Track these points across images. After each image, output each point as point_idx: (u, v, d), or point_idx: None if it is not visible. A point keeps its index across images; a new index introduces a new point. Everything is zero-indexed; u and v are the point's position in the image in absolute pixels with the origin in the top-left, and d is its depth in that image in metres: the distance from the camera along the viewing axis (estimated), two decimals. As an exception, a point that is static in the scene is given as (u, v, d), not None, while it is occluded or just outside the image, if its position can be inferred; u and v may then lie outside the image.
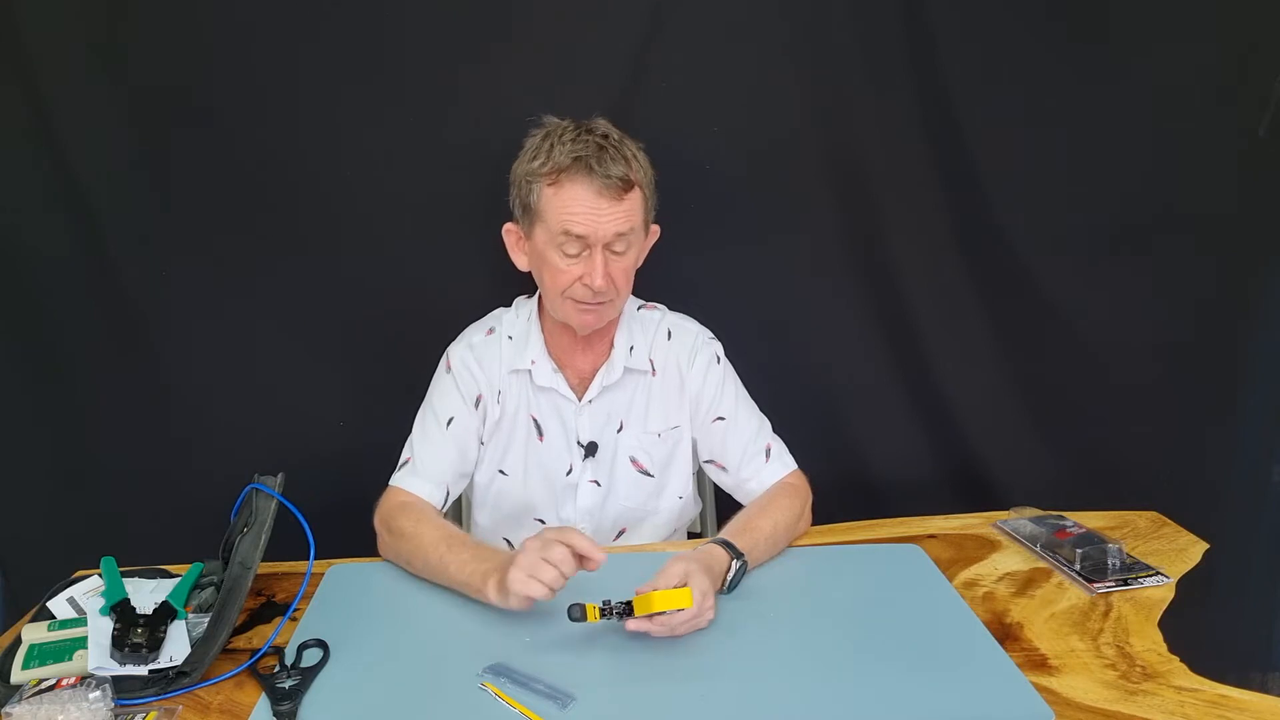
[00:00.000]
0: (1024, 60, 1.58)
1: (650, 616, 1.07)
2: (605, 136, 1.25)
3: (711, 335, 1.46)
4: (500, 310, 1.46)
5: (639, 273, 1.42)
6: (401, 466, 1.37)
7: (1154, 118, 1.61)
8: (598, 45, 1.55)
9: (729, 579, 1.20)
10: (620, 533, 1.45)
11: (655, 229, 1.37)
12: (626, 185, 1.23)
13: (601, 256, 1.25)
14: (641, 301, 1.47)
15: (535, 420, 1.40)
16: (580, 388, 1.40)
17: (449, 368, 1.40)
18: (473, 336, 1.42)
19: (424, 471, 1.35)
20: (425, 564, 1.24)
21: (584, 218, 1.23)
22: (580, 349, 1.40)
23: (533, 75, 1.53)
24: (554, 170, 1.23)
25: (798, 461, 1.44)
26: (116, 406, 1.66)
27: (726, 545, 1.22)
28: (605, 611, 1.07)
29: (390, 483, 1.36)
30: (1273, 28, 1.57)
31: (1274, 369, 1.75)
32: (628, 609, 1.08)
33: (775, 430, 1.46)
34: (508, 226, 1.36)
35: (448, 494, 1.37)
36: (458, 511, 1.62)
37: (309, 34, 1.51)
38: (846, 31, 1.56)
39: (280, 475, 1.20)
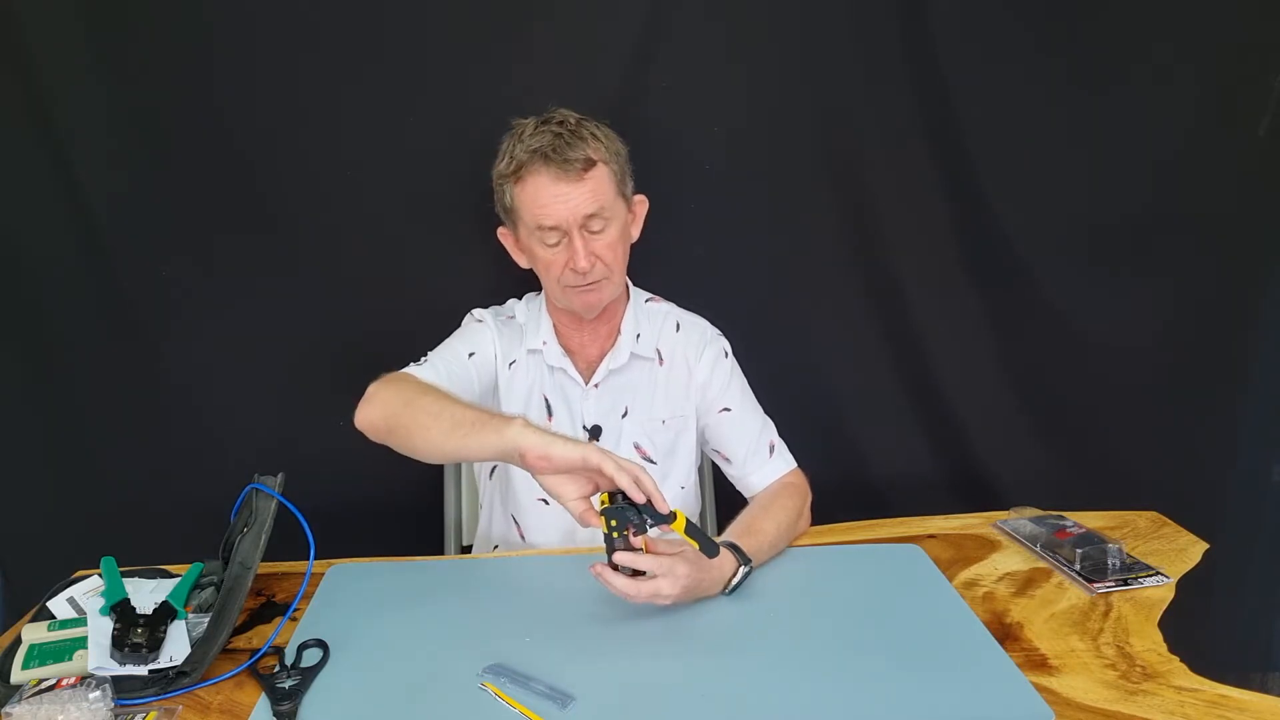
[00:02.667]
0: (1024, 61, 1.58)
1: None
2: (561, 124, 1.27)
3: (719, 332, 1.48)
4: (513, 300, 1.49)
5: (638, 272, 1.42)
6: (415, 364, 1.33)
7: (1154, 118, 1.61)
8: (598, 45, 1.56)
9: (733, 583, 1.20)
10: None
11: (641, 200, 1.39)
12: (587, 164, 1.25)
13: (580, 239, 1.27)
14: (650, 295, 1.48)
15: (547, 399, 1.42)
16: (587, 373, 1.42)
17: (478, 320, 1.43)
18: (495, 312, 1.46)
19: (439, 372, 1.31)
20: (435, 403, 1.17)
21: (550, 206, 1.26)
22: (588, 337, 1.42)
23: (533, 76, 1.53)
24: (517, 167, 1.27)
25: (799, 461, 1.45)
26: (116, 406, 1.66)
27: (735, 550, 1.22)
28: (616, 521, 1.06)
29: None
30: (1272, 28, 1.57)
31: (1274, 369, 1.75)
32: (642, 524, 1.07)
33: (777, 431, 1.45)
34: (501, 230, 1.39)
35: None
36: (459, 509, 1.62)
37: (310, 34, 1.52)
38: (846, 32, 1.56)
39: (280, 475, 1.20)
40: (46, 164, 1.53)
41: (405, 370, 1.31)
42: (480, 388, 1.39)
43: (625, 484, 1.04)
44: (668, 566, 1.11)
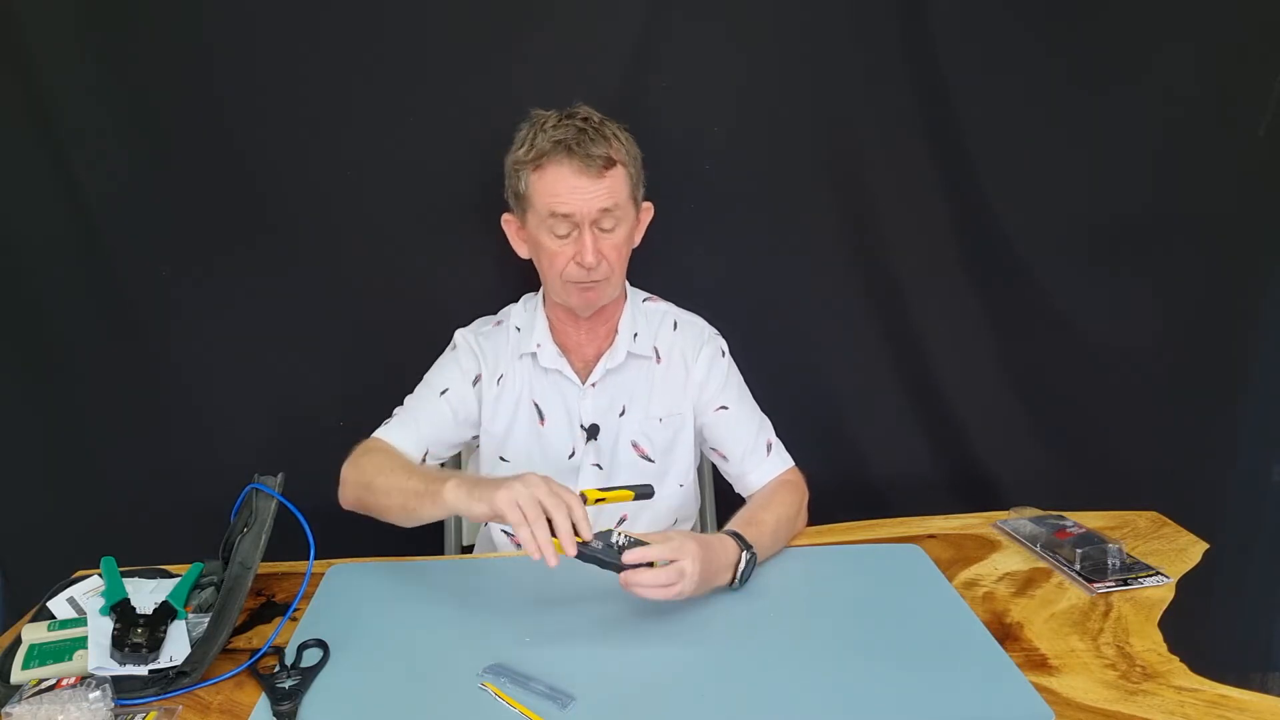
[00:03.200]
0: (1024, 61, 1.58)
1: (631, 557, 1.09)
2: (586, 120, 1.29)
3: (716, 332, 1.48)
4: (509, 306, 1.48)
5: (638, 272, 1.42)
6: (385, 423, 1.38)
7: (1154, 118, 1.61)
8: (598, 45, 1.55)
9: (740, 571, 1.20)
10: (621, 520, 1.45)
11: (648, 207, 1.39)
12: (608, 163, 1.27)
13: (590, 234, 1.28)
14: (647, 294, 1.48)
15: (537, 405, 1.42)
16: (584, 372, 1.42)
17: (453, 346, 1.44)
18: (481, 326, 1.46)
19: (406, 426, 1.37)
20: (387, 481, 1.25)
21: (567, 196, 1.26)
22: (584, 335, 1.42)
23: (533, 75, 1.53)
24: (537, 156, 1.27)
25: (799, 461, 1.45)
26: (116, 407, 1.66)
27: (737, 537, 1.23)
28: (589, 551, 1.08)
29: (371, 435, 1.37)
30: (1271, 28, 1.57)
31: (1274, 369, 1.75)
32: (610, 551, 1.09)
33: (777, 431, 1.46)
34: (505, 217, 1.39)
35: (426, 454, 1.38)
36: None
37: (310, 32, 1.51)
38: (847, 32, 1.56)
39: (280, 475, 1.20)
40: (46, 164, 1.53)
41: (375, 436, 1.36)
42: (459, 420, 1.40)
43: (524, 538, 1.06)
44: (676, 547, 1.11)
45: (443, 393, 1.39)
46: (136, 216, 1.58)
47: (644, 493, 1.20)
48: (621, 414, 1.42)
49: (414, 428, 1.37)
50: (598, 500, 1.17)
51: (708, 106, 1.59)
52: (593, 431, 1.42)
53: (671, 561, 1.10)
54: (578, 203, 1.26)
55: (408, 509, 1.23)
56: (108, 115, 1.52)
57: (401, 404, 1.41)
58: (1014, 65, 1.58)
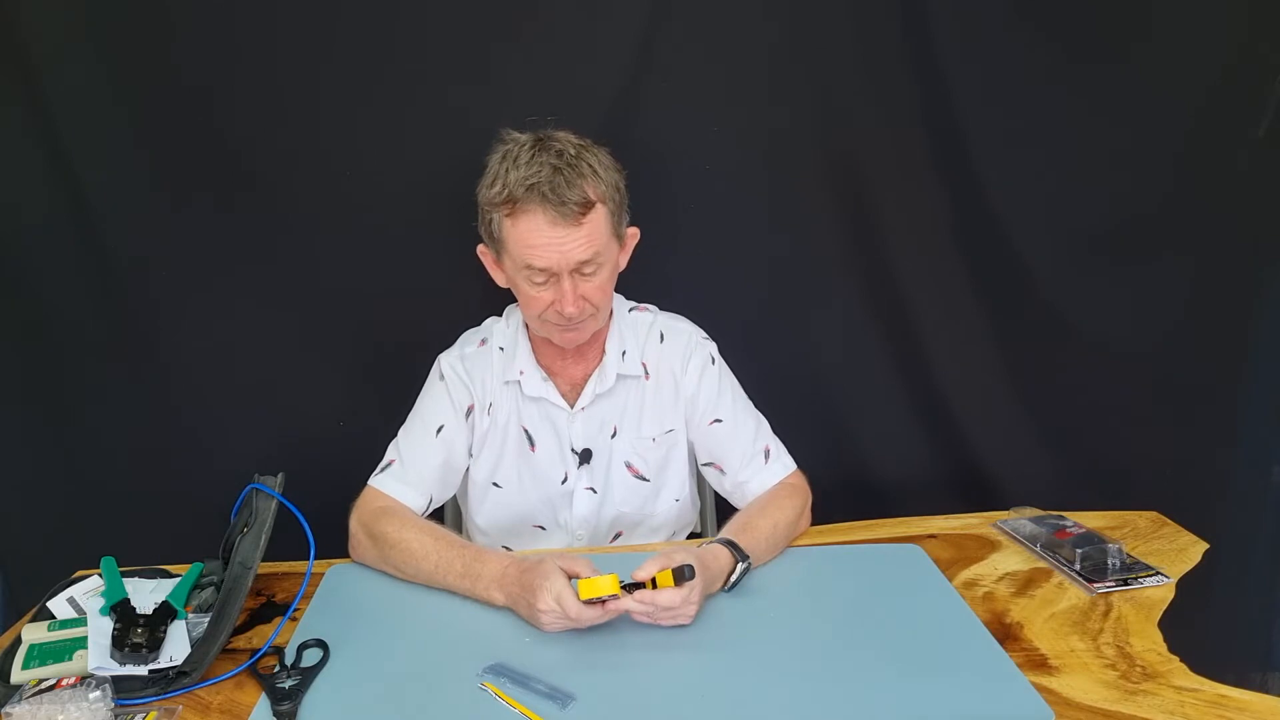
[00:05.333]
0: (1024, 60, 1.58)
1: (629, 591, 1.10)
2: (560, 155, 1.21)
3: (705, 335, 1.45)
4: (492, 320, 1.45)
5: (638, 273, 1.42)
6: (384, 469, 1.35)
7: (1154, 118, 1.60)
8: (597, 45, 1.55)
9: (732, 579, 1.20)
10: (616, 536, 1.44)
11: (633, 232, 1.34)
12: (585, 207, 1.19)
13: (570, 282, 1.23)
14: (633, 303, 1.46)
15: (526, 431, 1.39)
16: (572, 395, 1.39)
17: (441, 375, 1.39)
18: (465, 347, 1.42)
19: (408, 477, 1.34)
20: (418, 571, 1.23)
21: (543, 250, 1.20)
22: (571, 358, 1.38)
23: (533, 75, 1.53)
24: (509, 201, 1.20)
25: (798, 461, 1.44)
26: (116, 407, 1.66)
27: (731, 546, 1.22)
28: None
29: (370, 483, 1.35)
30: (1273, 28, 1.57)
31: (1274, 369, 1.75)
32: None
33: (775, 430, 1.45)
34: (480, 248, 1.34)
35: (430, 501, 1.36)
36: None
37: (311, 33, 1.51)
38: (847, 32, 1.56)
39: (280, 475, 1.20)
40: (46, 163, 1.53)
41: (379, 490, 1.33)
42: (458, 459, 1.38)
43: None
44: (685, 595, 1.10)
45: (439, 431, 1.35)
46: (137, 218, 1.57)
47: (684, 574, 1.10)
48: (613, 435, 1.39)
49: (415, 477, 1.34)
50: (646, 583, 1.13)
51: (708, 106, 1.59)
52: (585, 456, 1.39)
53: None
54: (554, 256, 1.20)
55: (454, 591, 1.22)
56: (109, 115, 1.52)
57: (395, 437, 1.38)
58: (1014, 65, 1.57)
